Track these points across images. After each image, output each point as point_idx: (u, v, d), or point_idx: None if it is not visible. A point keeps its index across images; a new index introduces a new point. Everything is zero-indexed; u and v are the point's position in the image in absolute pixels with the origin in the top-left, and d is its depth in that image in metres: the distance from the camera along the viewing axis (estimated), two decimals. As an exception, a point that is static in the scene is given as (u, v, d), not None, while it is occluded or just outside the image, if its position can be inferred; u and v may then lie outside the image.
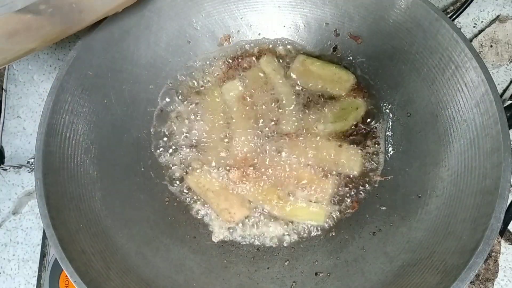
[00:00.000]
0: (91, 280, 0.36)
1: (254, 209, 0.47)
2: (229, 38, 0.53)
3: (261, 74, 0.52)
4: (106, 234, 0.41)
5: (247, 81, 0.52)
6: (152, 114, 0.50)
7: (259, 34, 0.53)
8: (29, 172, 0.54)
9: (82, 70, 0.43)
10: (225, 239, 0.46)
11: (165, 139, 0.50)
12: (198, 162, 0.49)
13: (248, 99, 0.51)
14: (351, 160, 0.47)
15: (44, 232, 0.51)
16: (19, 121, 0.58)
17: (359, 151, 0.48)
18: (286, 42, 0.53)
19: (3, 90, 0.59)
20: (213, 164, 0.49)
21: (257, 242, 0.46)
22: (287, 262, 0.45)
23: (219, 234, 0.46)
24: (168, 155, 0.50)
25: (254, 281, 0.43)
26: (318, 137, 0.48)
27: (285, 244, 0.46)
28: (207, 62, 0.53)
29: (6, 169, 0.54)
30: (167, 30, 0.49)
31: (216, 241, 0.46)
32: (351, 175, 0.48)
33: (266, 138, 0.49)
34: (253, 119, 0.50)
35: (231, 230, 0.47)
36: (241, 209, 0.46)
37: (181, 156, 0.49)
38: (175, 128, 0.51)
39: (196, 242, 0.46)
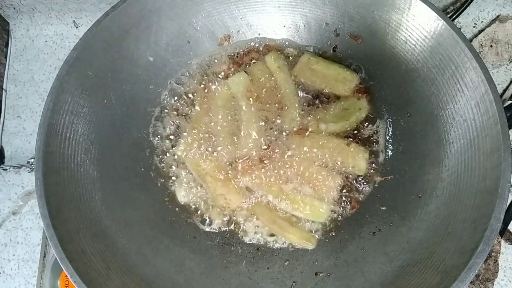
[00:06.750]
0: (91, 280, 0.36)
1: (251, 197, 0.47)
2: (229, 38, 0.53)
3: (266, 70, 0.52)
4: (106, 234, 0.41)
5: (254, 74, 0.51)
6: (152, 114, 0.50)
7: (259, 34, 0.53)
8: (29, 172, 0.54)
9: (82, 70, 0.43)
10: (225, 239, 0.47)
11: (165, 139, 0.50)
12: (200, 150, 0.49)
13: (254, 94, 0.51)
14: (358, 160, 0.47)
15: (44, 232, 0.52)
16: (19, 121, 0.58)
17: (367, 151, 0.48)
18: (286, 42, 0.53)
19: (3, 90, 0.59)
20: (220, 157, 0.49)
21: (257, 242, 0.46)
22: (287, 262, 0.45)
23: (216, 225, 0.47)
24: (168, 154, 0.50)
25: (254, 281, 0.43)
26: (326, 136, 0.48)
27: (285, 244, 0.46)
28: (209, 61, 0.53)
29: (6, 169, 0.54)
30: (167, 30, 0.49)
31: (213, 230, 0.47)
32: (352, 175, 0.48)
33: (275, 133, 0.49)
34: (259, 115, 0.50)
35: (230, 229, 0.47)
36: (237, 196, 0.47)
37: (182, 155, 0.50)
38: (175, 127, 0.51)
39: (196, 242, 0.46)
